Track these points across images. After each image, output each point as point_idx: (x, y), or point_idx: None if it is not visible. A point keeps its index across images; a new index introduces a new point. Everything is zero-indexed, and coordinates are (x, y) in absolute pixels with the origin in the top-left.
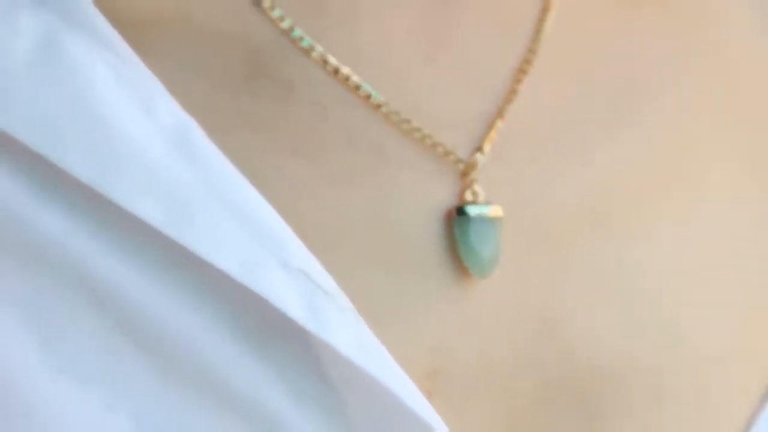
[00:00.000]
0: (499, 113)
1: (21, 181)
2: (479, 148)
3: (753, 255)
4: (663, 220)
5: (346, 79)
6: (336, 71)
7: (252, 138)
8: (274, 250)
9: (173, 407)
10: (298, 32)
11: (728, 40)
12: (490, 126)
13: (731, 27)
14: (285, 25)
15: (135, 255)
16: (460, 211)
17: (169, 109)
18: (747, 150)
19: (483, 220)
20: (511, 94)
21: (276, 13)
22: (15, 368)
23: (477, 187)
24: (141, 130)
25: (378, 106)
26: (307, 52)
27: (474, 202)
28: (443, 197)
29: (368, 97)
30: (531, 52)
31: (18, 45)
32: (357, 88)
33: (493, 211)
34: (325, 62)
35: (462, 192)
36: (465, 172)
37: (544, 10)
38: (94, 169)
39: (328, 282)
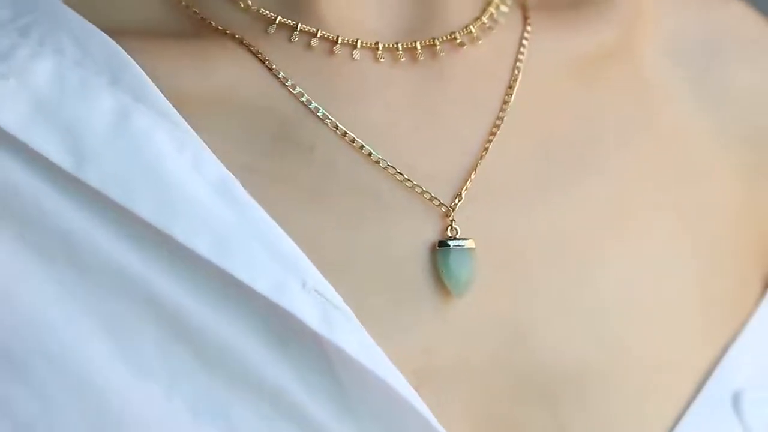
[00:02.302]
0: (473, 168)
1: (108, 226)
2: (457, 195)
3: (683, 284)
4: (611, 252)
5: (353, 141)
6: (345, 135)
7: (279, 189)
8: (296, 275)
9: (217, 396)
10: (314, 105)
11: (665, 110)
12: (465, 178)
13: (667, 99)
14: (304, 99)
15: (189, 279)
16: (442, 243)
17: (214, 167)
18: (679, 199)
19: (460, 250)
20: (482, 152)
21: (297, 90)
22: (95, 367)
23: (455, 226)
24: (192, 183)
25: (377, 162)
26: (322, 120)
27: (453, 237)
28: (429, 233)
29: (370, 155)
30: (499, 119)
31: (100, 117)
32: (361, 148)
33: (468, 243)
34: (336, 128)
35: (444, 229)
36: (446, 214)
37: (510, 87)
38: (157, 213)
39: (338, 299)
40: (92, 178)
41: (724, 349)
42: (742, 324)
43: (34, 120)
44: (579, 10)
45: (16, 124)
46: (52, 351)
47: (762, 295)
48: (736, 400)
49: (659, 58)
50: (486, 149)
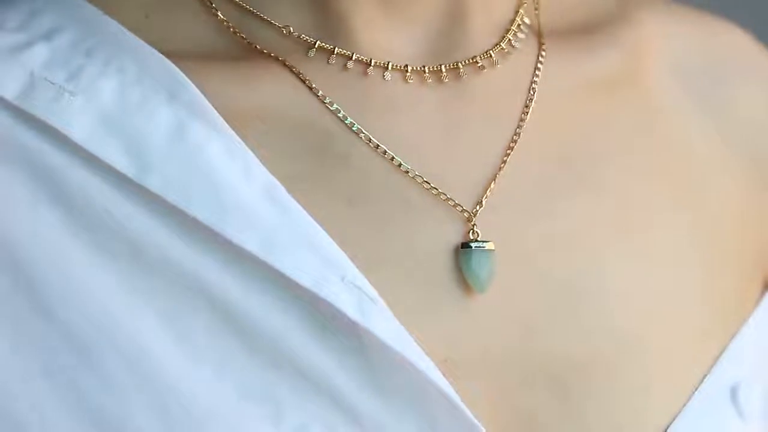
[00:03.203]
0: (493, 177)
1: (167, 227)
2: (479, 202)
3: (686, 284)
4: (617, 254)
5: (384, 153)
6: (377, 147)
7: (319, 194)
8: (335, 270)
9: (263, 379)
10: (349, 119)
11: (670, 126)
12: (486, 187)
13: (672, 117)
14: (341, 115)
15: (239, 274)
16: (464, 245)
17: (261, 173)
18: (682, 206)
19: (481, 251)
20: (501, 164)
21: (334, 107)
22: (156, 354)
23: (477, 229)
24: (242, 188)
25: (407, 172)
26: (357, 134)
27: (475, 240)
28: (453, 236)
29: (400, 165)
30: (516, 134)
31: (159, 130)
32: (392, 159)
33: (488, 245)
34: (369, 141)
35: (466, 233)
36: (468, 219)
37: (526, 106)
38: (211, 215)
39: (372, 292)
40: (153, 184)
41: (725, 345)
42: (742, 321)
43: (101, 133)
44: (590, 36)
45: (84, 136)
46: (119, 340)
47: (761, 296)
48: (734, 392)
49: (665, 80)
50: (504, 161)
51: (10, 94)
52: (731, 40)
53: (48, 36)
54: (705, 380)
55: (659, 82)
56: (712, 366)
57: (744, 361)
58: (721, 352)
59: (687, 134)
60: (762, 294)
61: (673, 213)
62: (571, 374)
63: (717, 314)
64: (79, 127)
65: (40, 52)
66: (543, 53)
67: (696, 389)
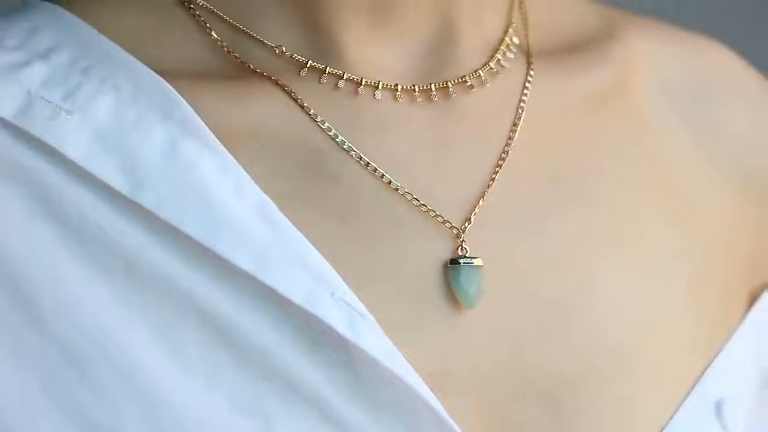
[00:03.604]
0: (481, 195)
1: (160, 242)
2: (467, 219)
3: (673, 300)
4: (605, 270)
5: (375, 170)
6: (368, 165)
7: (310, 212)
8: (326, 287)
9: (253, 392)
10: (341, 138)
11: (658, 143)
12: (475, 204)
13: (660, 133)
14: (332, 133)
15: (231, 289)
16: (453, 261)
17: (253, 191)
18: (670, 222)
19: (470, 268)
20: (489, 182)
21: (326, 126)
22: (148, 367)
23: (465, 246)
24: (234, 205)
25: (396, 189)
26: (348, 152)
27: (463, 256)
28: (442, 252)
29: (390, 182)
30: (504, 152)
31: (153, 147)
32: (382, 176)
33: (477, 261)
34: (360, 159)
35: (455, 249)
36: (457, 236)
37: (514, 125)
38: (204, 231)
39: (362, 308)
40: (147, 200)
41: (710, 359)
42: (728, 335)
43: (96, 151)
44: (578, 54)
45: (80, 154)
46: (112, 353)
47: (747, 311)
48: (719, 407)
49: (653, 97)
50: (493, 179)
51: (7, 112)
52: (716, 59)
53: (46, 55)
54: (690, 395)
55: (647, 98)
56: (698, 379)
57: (729, 375)
58: (707, 367)
59: (675, 150)
60: (747, 309)
61: (663, 227)
62: (560, 389)
63: (704, 328)
64: (74, 145)
65: (37, 71)
66: (531, 72)
67: (682, 403)
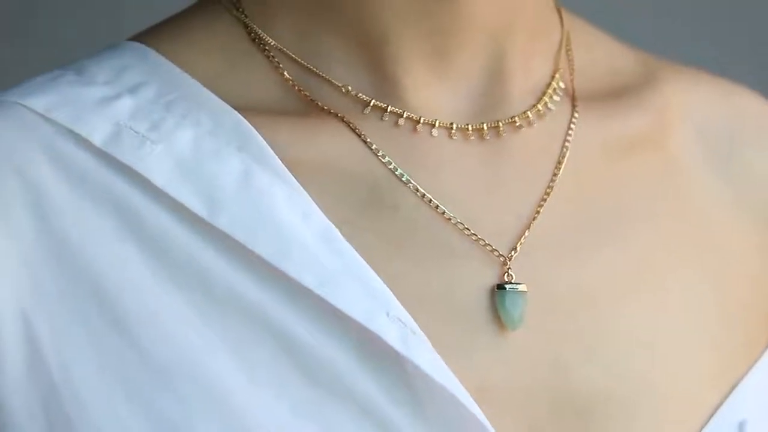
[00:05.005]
0: (527, 227)
1: (234, 263)
2: (513, 248)
3: (697, 334)
4: (636, 302)
5: (430, 201)
6: (424, 196)
7: (370, 239)
8: (383, 306)
9: (316, 401)
10: (400, 172)
11: (690, 188)
12: (520, 235)
13: (693, 178)
14: (392, 167)
15: (297, 307)
16: (500, 286)
17: (319, 217)
18: (697, 262)
19: (514, 293)
20: (535, 214)
21: (386, 160)
22: (222, 377)
23: (511, 273)
24: (302, 230)
25: (449, 219)
26: (406, 184)
27: (509, 282)
28: (489, 278)
29: (444, 213)
30: (549, 188)
31: (229, 176)
32: (437, 207)
33: (521, 287)
34: (417, 191)
35: (501, 275)
36: (504, 263)
37: (559, 163)
38: (273, 253)
39: (415, 326)
40: (222, 223)
41: (732, 388)
42: (751, 365)
43: (177, 177)
44: (618, 101)
45: (162, 180)
46: (191, 363)
47: (767, 346)
48: (742, 427)
49: (687, 143)
50: (538, 212)
51: (98, 140)
52: (746, 103)
53: (134, 90)
54: (714, 416)
55: (682, 144)
56: (721, 405)
57: (751, 400)
58: (730, 393)
59: (706, 195)
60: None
61: (691, 267)
62: (594, 408)
63: (727, 359)
64: (158, 171)
65: (126, 104)
66: (576, 115)
67: (706, 423)
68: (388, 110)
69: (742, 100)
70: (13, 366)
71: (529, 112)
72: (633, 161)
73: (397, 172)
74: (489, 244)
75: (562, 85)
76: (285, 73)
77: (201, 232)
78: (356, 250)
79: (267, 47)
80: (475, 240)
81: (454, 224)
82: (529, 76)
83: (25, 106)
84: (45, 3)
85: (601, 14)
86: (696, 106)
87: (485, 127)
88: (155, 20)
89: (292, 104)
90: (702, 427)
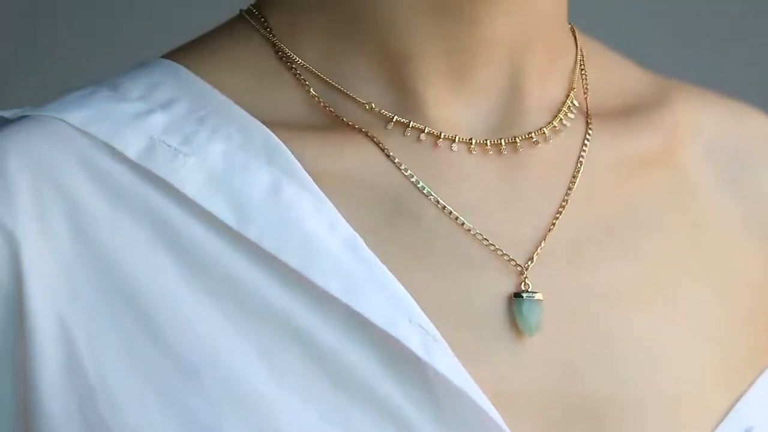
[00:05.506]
0: (543, 238)
1: (262, 270)
2: (530, 258)
3: (705, 341)
4: (646, 311)
5: (450, 213)
6: (444, 208)
7: (393, 248)
8: (405, 313)
9: (341, 405)
10: (422, 184)
11: (699, 204)
12: (537, 245)
13: (702, 195)
14: (414, 180)
15: (323, 313)
16: (517, 295)
17: (344, 228)
18: (705, 274)
19: (531, 301)
20: (550, 226)
21: (408, 173)
22: (252, 382)
23: (528, 281)
24: (327, 239)
25: (469, 230)
26: (427, 197)
27: (526, 290)
28: (507, 287)
29: (463, 224)
30: (564, 201)
31: (258, 188)
32: (456, 219)
33: (538, 296)
34: (438, 203)
35: (519, 284)
36: (521, 272)
37: (573, 177)
38: (301, 261)
39: (436, 332)
40: (251, 233)
41: (739, 396)
42: (756, 376)
43: (209, 189)
44: (631, 118)
45: (195, 191)
46: (222, 369)
47: None
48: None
49: (697, 161)
50: (553, 224)
51: (133, 153)
52: (755, 124)
53: (166, 105)
54: (722, 423)
55: (692, 162)
56: (728, 412)
57: (758, 408)
58: (737, 401)
59: (713, 210)
60: None
61: (700, 278)
62: (605, 411)
63: (733, 368)
64: (190, 183)
65: (159, 119)
66: (590, 132)
67: (714, 429)
68: (410, 126)
69: (752, 121)
70: (51, 368)
71: (545, 129)
72: (644, 177)
73: (418, 185)
74: (506, 254)
75: (576, 103)
76: (311, 90)
77: (232, 242)
78: (379, 259)
79: (294, 65)
80: (493, 250)
81: (473, 235)
82: (546, 93)
83: (62, 121)
84: (45, 3)
85: (611, 35)
86: (706, 126)
87: (503, 143)
88: (155, 20)
89: (318, 120)
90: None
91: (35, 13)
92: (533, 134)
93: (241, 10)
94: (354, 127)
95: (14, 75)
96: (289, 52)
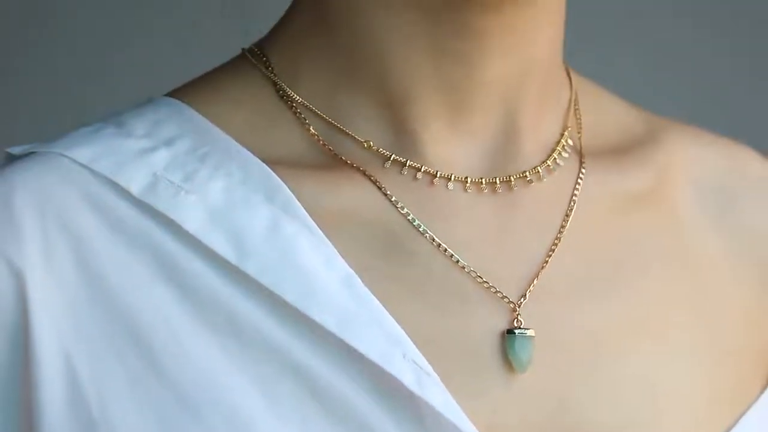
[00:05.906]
0: (536, 275)
1: (260, 305)
2: (523, 295)
3: (694, 377)
4: (636, 347)
5: (445, 250)
6: (439, 246)
7: (388, 284)
8: (398, 348)
9: None
10: (417, 222)
11: (689, 240)
12: (530, 282)
13: (692, 232)
14: (410, 218)
15: (319, 347)
16: (509, 331)
17: (341, 264)
18: (694, 310)
19: (523, 337)
20: (543, 264)
21: (404, 211)
22: (248, 414)
23: (521, 318)
24: (324, 276)
25: (463, 267)
26: (423, 234)
27: (518, 327)
28: (499, 323)
29: (457, 261)
30: (557, 239)
31: (257, 224)
32: (451, 256)
33: (530, 332)
34: (433, 240)
35: (511, 321)
36: (513, 309)
37: (567, 215)
38: (298, 296)
39: (428, 368)
40: (250, 268)
41: (728, 429)
42: (747, 407)
43: (209, 225)
44: (623, 158)
45: (196, 228)
46: (220, 401)
47: (762, 390)
48: None
49: (688, 199)
50: (546, 261)
51: (136, 190)
52: (747, 162)
53: (169, 143)
54: None
55: (683, 200)
56: None
57: None
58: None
59: (703, 247)
60: (763, 387)
61: (689, 315)
62: None
63: (721, 403)
64: (191, 219)
65: (162, 156)
66: (583, 170)
67: None
68: (407, 164)
69: (741, 158)
70: (55, 399)
71: (539, 168)
72: (636, 215)
73: (414, 223)
74: (500, 291)
75: (570, 142)
76: (311, 128)
77: (231, 277)
78: (375, 295)
79: (294, 104)
80: (487, 287)
81: (467, 272)
82: (540, 133)
83: (68, 157)
84: (45, 3)
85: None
86: (697, 164)
87: (498, 181)
88: (154, 20)
89: (316, 158)
90: None
91: (35, 13)
92: (528, 173)
93: (243, 49)
94: (352, 166)
95: (14, 75)
96: (290, 91)
